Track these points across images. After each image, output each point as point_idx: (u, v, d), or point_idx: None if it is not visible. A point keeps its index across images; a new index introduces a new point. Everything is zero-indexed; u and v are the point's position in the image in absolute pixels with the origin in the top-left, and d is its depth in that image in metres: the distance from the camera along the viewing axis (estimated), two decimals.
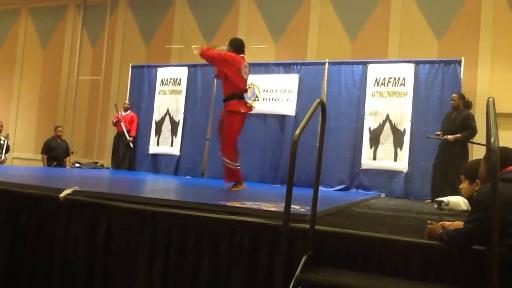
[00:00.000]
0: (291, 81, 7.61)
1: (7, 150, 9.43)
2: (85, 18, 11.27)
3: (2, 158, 9.20)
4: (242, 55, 5.07)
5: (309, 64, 7.80)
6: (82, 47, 11.28)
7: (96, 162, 10.02)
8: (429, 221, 2.58)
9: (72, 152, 9.92)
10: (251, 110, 5.13)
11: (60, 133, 9.65)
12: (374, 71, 7.23)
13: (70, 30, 11.40)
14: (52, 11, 11.66)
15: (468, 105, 6.35)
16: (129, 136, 8.63)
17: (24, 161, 11.20)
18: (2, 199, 3.41)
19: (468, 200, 4.11)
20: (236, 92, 4.91)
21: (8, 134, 9.70)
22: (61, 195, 3.20)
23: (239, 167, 5.00)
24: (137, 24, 10.69)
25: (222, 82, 5.08)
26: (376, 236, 2.52)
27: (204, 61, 9.07)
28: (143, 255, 2.92)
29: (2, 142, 9.27)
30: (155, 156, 8.57)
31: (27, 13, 12.03)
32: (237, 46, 5.07)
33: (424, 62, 7.06)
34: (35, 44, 11.89)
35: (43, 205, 3.28)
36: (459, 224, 2.58)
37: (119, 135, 8.81)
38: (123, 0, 10.84)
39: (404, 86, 7.01)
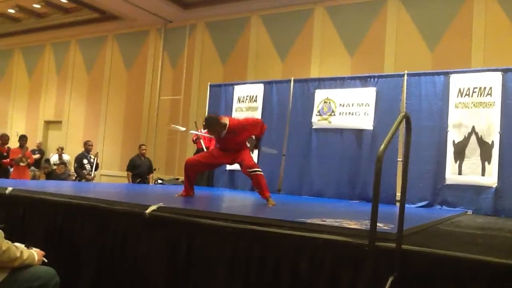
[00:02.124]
0: (368, 94, 7.45)
1: (96, 168, 10.04)
2: (165, 41, 11.84)
3: (92, 175, 9.81)
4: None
5: (386, 76, 7.59)
6: (163, 69, 11.85)
7: (177, 178, 10.37)
8: None
9: (155, 169, 10.36)
10: None
11: (144, 151, 10.11)
12: (457, 81, 6.88)
13: (152, 53, 12.02)
14: (135, 36, 12.38)
15: None
16: None
17: (110, 178, 11.87)
18: (92, 215, 3.62)
19: None
20: None
21: (97, 153, 10.33)
22: (147, 211, 3.33)
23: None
24: (214, 44, 11.05)
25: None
26: (468, 257, 2.37)
27: (279, 78, 9.21)
28: (222, 271, 2.95)
29: (92, 160, 9.89)
30: (232, 172, 8.70)
31: (113, 39, 12.86)
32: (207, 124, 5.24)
33: None
34: (120, 68, 12.66)
35: (129, 220, 3.43)
36: None
37: (199, 152, 9.07)
38: (201, 22, 11.27)
39: (491, 96, 6.60)
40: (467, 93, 6.77)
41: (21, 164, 9.02)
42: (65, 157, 12.15)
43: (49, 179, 10.34)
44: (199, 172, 5.68)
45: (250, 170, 5.05)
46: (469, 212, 6.38)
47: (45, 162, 11.23)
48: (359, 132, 7.44)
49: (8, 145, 9.98)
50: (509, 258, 2.35)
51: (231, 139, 5.14)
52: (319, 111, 7.83)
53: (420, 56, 8.46)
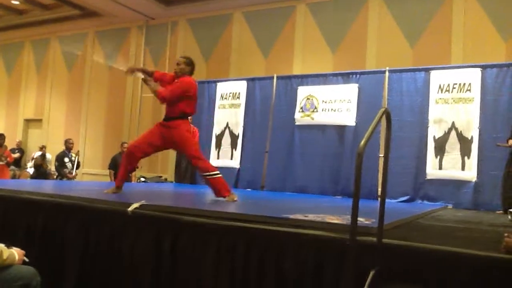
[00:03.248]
0: (350, 91, 7.51)
1: (78, 166, 9.94)
2: (147, 38, 11.76)
3: (73, 174, 9.70)
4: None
5: (368, 73, 7.66)
6: (145, 66, 11.75)
7: (160, 176, 10.33)
8: (506, 234, 2.44)
9: (137, 167, 10.28)
10: None
11: (126, 149, 10.02)
12: (437, 77, 6.98)
13: (134, 50, 11.92)
14: (116, 33, 12.26)
15: None
16: None
17: (92, 176, 11.76)
18: (75, 213, 3.59)
19: None
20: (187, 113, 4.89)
21: (78, 151, 10.23)
22: (129, 209, 3.31)
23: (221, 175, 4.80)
24: (197, 42, 11.01)
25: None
26: (447, 250, 2.41)
27: (262, 74, 9.18)
28: (207, 268, 2.95)
29: (73, 158, 9.79)
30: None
31: (94, 36, 12.71)
32: (193, 66, 4.97)
33: (491, 66, 6.72)
34: (101, 65, 12.52)
35: (112, 219, 3.41)
36: None
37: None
38: (183, 19, 11.21)
39: (470, 92, 6.71)
40: (447, 89, 6.88)
41: (0, 163, 8.88)
42: (47, 156, 11.97)
43: (40, 178, 10.15)
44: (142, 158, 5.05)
45: (206, 174, 4.70)
46: (450, 206, 6.48)
47: (41, 159, 10.71)
48: (341, 128, 7.50)
49: None
50: (488, 251, 2.40)
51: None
52: (302, 108, 7.86)
53: (401, 53, 8.55)
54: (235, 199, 4.63)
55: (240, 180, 8.33)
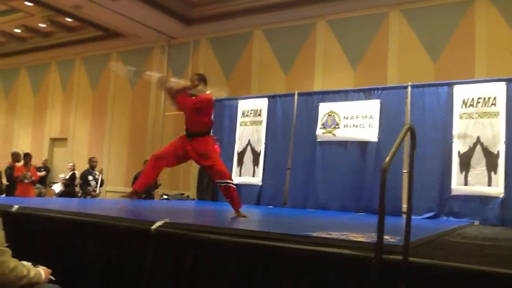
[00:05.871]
0: (372, 106, 7.46)
1: (102, 184, 10.07)
2: (170, 57, 11.94)
3: (97, 191, 9.83)
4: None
5: (390, 88, 7.62)
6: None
7: (182, 193, 10.37)
8: None
9: (160, 185, 10.37)
10: None
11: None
12: (461, 92, 6.89)
13: (157, 69, 12.07)
14: (139, 52, 12.48)
15: None
16: None
17: (116, 194, 11.86)
18: (98, 231, 3.62)
19: None
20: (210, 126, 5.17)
21: (102, 169, 10.37)
22: (153, 227, 3.32)
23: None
24: (218, 60, 11.13)
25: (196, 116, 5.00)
26: (475, 269, 2.35)
27: (283, 91, 9.20)
28: (227, 286, 2.93)
29: (97, 176, 9.92)
30: (238, 186, 8.59)
31: (117, 56, 12.96)
32: (205, 81, 5.22)
33: None
34: (125, 84, 12.74)
35: (135, 237, 3.43)
36: None
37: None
38: (205, 38, 11.37)
39: (495, 106, 6.59)
40: (471, 103, 6.77)
41: (26, 181, 9.06)
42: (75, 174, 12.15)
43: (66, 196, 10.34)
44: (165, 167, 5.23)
45: (221, 181, 4.89)
46: (476, 222, 6.33)
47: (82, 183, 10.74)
48: (363, 144, 7.44)
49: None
50: None
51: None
52: (323, 124, 7.84)
53: (423, 67, 8.48)
54: (246, 216, 4.69)
55: (262, 197, 8.31)
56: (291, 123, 8.21)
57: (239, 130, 8.86)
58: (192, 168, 10.36)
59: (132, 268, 3.33)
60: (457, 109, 6.85)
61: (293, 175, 8.03)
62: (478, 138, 6.65)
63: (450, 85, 6.99)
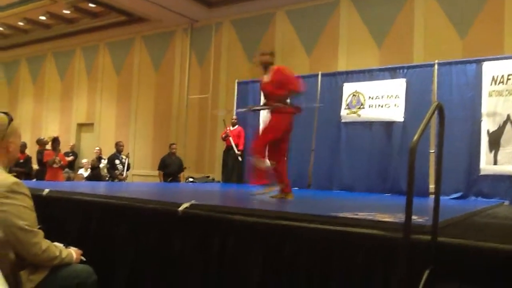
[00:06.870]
0: (398, 86, 7.34)
1: (128, 168, 10.21)
2: (192, 40, 11.93)
3: (124, 175, 9.99)
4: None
5: (416, 67, 7.46)
6: (190, 68, 11.94)
7: (208, 176, 10.46)
8: None
9: (185, 168, 10.47)
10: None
11: (174, 150, 10.22)
12: (490, 68, 6.70)
13: (180, 53, 12.13)
14: (162, 36, 12.52)
15: None
16: (238, 150, 8.89)
17: (142, 178, 12.06)
18: (126, 213, 3.68)
19: None
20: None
21: (128, 153, 10.51)
22: (180, 208, 3.36)
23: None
24: (241, 42, 11.07)
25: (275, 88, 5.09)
26: (506, 248, 2.30)
27: (306, 72, 9.09)
28: (255, 268, 2.95)
29: (123, 160, 10.07)
30: None
31: (140, 40, 13.04)
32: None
33: None
34: (149, 68, 12.83)
35: (163, 219, 3.47)
36: None
37: (228, 149, 9.12)
38: (227, 20, 11.31)
39: None
40: (501, 80, 6.59)
41: (55, 166, 9.26)
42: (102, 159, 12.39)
43: (94, 179, 10.63)
44: None
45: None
46: (506, 202, 6.22)
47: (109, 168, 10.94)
48: (389, 125, 7.34)
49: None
50: None
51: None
52: (347, 105, 7.76)
53: (450, 44, 8.26)
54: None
55: None
56: (314, 104, 8.14)
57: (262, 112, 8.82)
58: (217, 150, 10.43)
59: (160, 249, 3.38)
60: (486, 86, 6.68)
61: (317, 157, 8.00)
62: (508, 116, 6.48)
63: (479, 62, 6.81)
